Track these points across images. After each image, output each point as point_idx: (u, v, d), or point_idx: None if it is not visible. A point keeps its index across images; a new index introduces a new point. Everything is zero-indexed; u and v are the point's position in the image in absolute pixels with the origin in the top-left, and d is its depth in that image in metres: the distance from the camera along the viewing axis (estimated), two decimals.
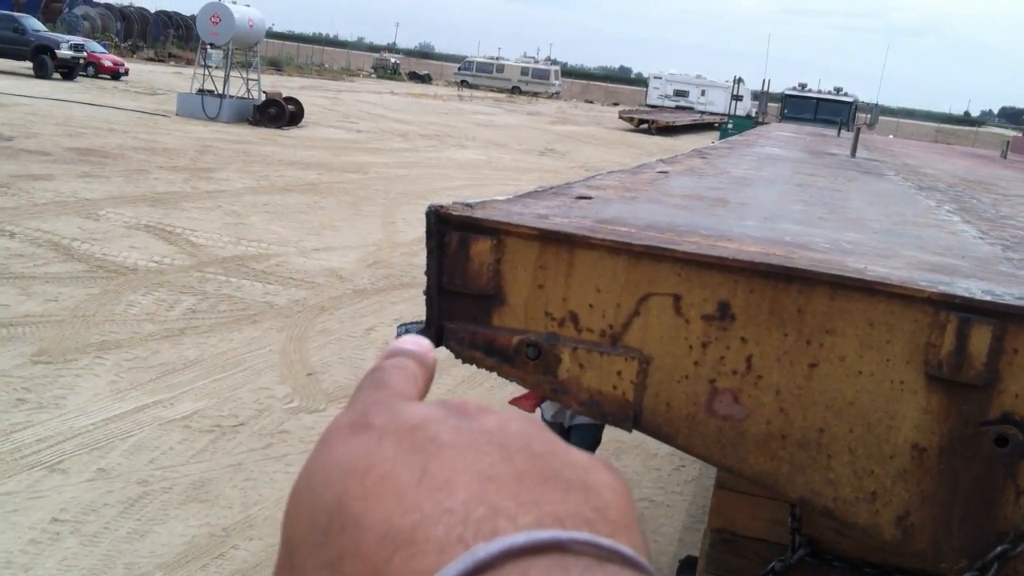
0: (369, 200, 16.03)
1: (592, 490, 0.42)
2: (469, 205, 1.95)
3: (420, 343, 0.57)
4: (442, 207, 1.88)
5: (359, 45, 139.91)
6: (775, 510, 2.60)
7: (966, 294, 1.64)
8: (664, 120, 50.42)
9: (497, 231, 1.84)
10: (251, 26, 27.62)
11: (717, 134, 35.97)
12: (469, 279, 1.84)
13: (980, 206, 3.74)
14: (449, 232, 1.85)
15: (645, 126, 48.31)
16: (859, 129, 8.08)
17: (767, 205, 2.85)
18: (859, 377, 1.66)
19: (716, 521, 2.76)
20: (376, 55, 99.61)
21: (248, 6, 28.28)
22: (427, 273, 1.88)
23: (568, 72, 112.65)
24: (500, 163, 24.55)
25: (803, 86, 33.18)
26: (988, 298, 1.63)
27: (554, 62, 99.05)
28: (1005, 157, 10.91)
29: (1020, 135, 16.51)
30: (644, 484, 6.37)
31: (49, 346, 7.58)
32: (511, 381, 1.89)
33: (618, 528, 0.41)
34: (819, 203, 3.07)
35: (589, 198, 2.46)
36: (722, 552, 2.70)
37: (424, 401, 0.50)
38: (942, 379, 1.62)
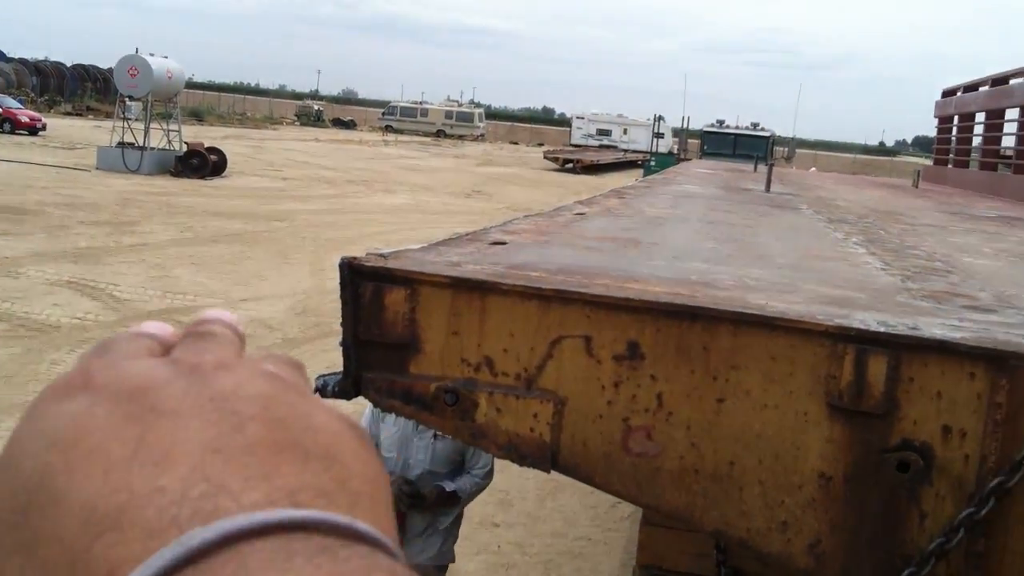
0: (297, 248, 15.95)
1: (335, 459, 0.38)
2: (383, 255, 1.98)
3: (223, 316, 0.49)
4: (355, 258, 1.90)
5: (281, 93, 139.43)
6: (700, 543, 2.65)
7: (862, 326, 1.71)
8: (589, 159, 51.05)
9: (410, 280, 1.87)
10: (170, 77, 27.44)
11: (641, 171, 36.49)
12: (385, 329, 1.87)
13: (886, 237, 3.87)
14: (363, 283, 1.88)
15: (570, 165, 48.85)
16: (772, 164, 8.28)
17: (678, 244, 2.92)
18: (765, 410, 1.72)
19: (644, 556, 2.80)
20: (299, 102, 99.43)
21: (166, 57, 28.10)
22: (342, 324, 1.89)
23: (492, 114, 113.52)
24: (428, 207, 24.61)
25: (721, 123, 33.87)
26: (883, 329, 1.70)
27: (478, 105, 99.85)
28: (916, 186, 11.25)
29: (932, 163, 17.03)
30: (582, 522, 6.39)
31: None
32: (431, 428, 1.92)
33: (360, 499, 0.38)
34: (729, 240, 3.15)
35: (503, 243, 2.50)
36: None
37: (155, 357, 0.44)
38: (843, 409, 1.68)
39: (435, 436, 3.98)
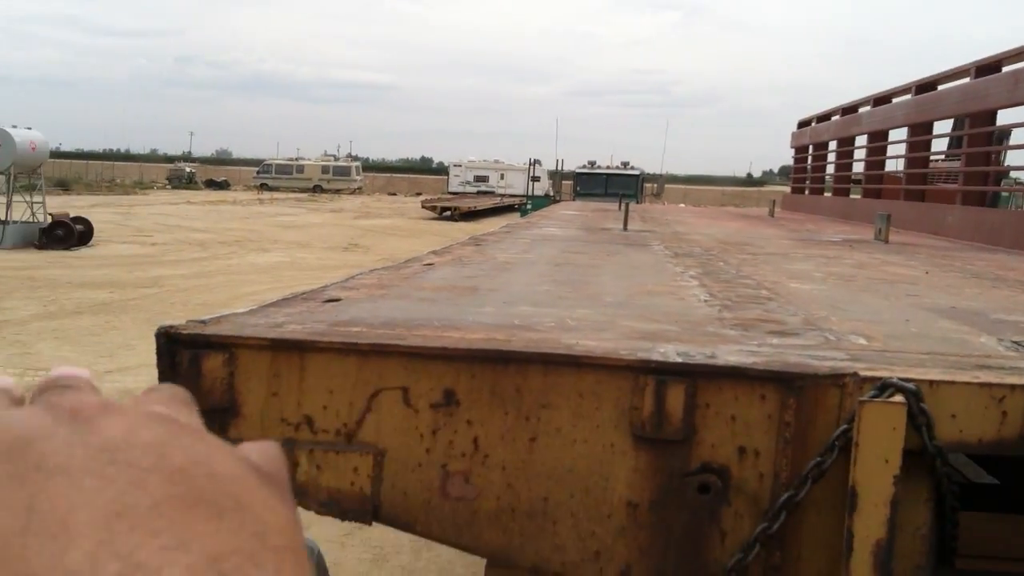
0: (166, 314, 15.57)
1: (247, 510, 0.35)
2: (202, 322, 2.00)
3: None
4: (171, 327, 1.92)
5: (153, 157, 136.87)
6: None
7: (661, 358, 1.80)
8: (466, 206, 51.33)
9: (228, 345, 1.89)
10: (33, 149, 26.65)
11: (519, 214, 36.91)
12: (203, 395, 1.88)
13: (724, 268, 4.03)
14: (180, 351, 1.89)
15: (448, 213, 49.07)
16: (627, 203, 8.52)
17: (515, 289, 3.00)
18: (575, 445, 1.79)
19: None
20: (171, 165, 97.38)
21: (30, 128, 27.33)
22: None
23: (370, 166, 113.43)
24: (304, 263, 24.36)
25: (592, 163, 34.60)
26: (680, 359, 1.80)
27: (355, 158, 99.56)
28: (772, 215, 11.68)
29: (789, 191, 17.69)
30: (457, 573, 6.38)
31: None
32: None
33: (284, 556, 0.34)
34: (568, 282, 3.25)
35: (338, 300, 2.54)
36: None
37: (29, 403, 0.40)
38: (646, 438, 1.76)
39: None
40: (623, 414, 1.78)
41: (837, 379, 1.74)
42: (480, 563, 5.95)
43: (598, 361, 1.80)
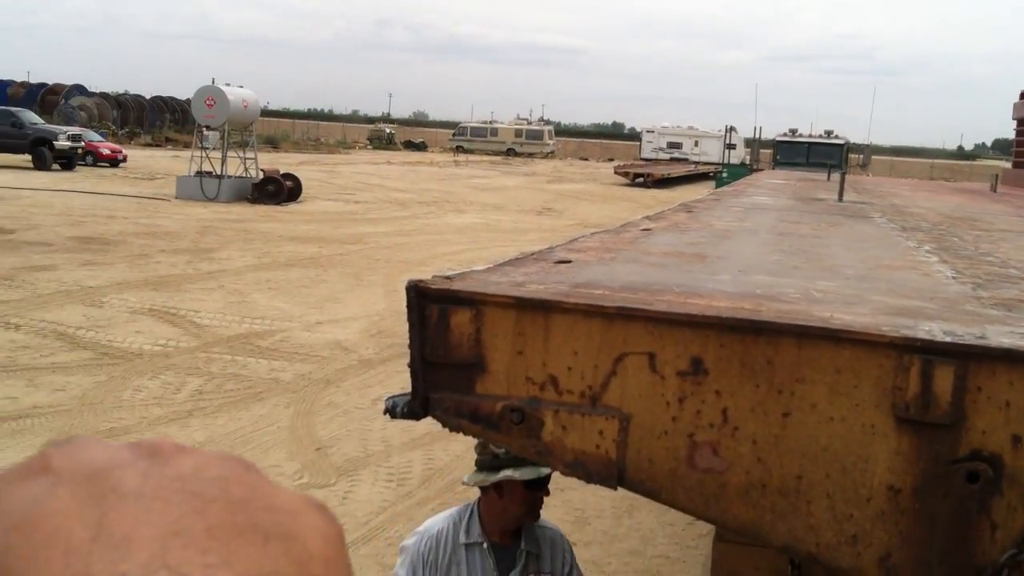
0: (370, 270, 16.17)
1: (295, 539, 0.40)
2: (448, 277, 2.02)
3: None
4: (421, 281, 1.94)
5: (354, 118, 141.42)
6: (774, 559, 2.63)
7: (927, 336, 1.70)
8: (659, 172, 50.80)
9: (475, 301, 1.91)
10: (245, 107, 28.04)
11: (713, 183, 36.17)
12: (451, 349, 1.90)
13: (960, 244, 3.81)
14: (429, 305, 1.92)
15: (641, 180, 48.65)
16: (844, 173, 8.15)
17: (744, 258, 2.91)
18: (831, 423, 1.71)
19: (718, 573, 2.78)
20: (371, 126, 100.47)
21: (242, 87, 28.74)
22: (410, 346, 1.93)
23: (562, 131, 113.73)
24: (498, 225, 24.74)
25: (794, 131, 33.41)
26: (949, 339, 1.69)
27: (547, 122, 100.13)
28: (995, 191, 10.99)
29: (1010, 167, 16.61)
30: (659, 541, 6.36)
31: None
32: (498, 446, 1.95)
33: None
34: (797, 252, 3.14)
35: (569, 262, 2.53)
36: None
37: (116, 442, 0.45)
38: (910, 420, 1.67)
39: None
40: (885, 394, 1.69)
41: None
42: (680, 534, 5.92)
43: (858, 336, 1.71)
